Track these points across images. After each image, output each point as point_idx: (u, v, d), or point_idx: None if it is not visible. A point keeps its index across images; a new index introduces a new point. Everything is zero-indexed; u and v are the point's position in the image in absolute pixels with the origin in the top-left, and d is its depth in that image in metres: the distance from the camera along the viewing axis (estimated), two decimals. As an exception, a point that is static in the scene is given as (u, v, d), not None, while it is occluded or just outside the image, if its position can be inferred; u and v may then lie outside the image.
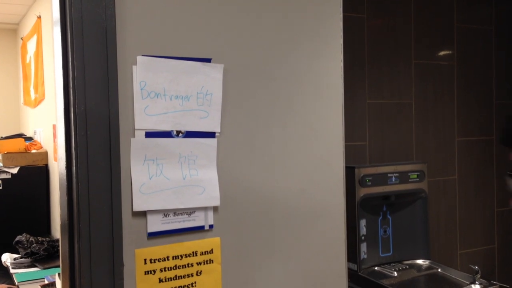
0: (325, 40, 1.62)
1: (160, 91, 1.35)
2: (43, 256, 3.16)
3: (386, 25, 2.97)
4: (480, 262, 3.35)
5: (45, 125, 3.90)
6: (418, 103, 3.10)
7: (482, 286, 2.36)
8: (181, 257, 1.40)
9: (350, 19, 2.82)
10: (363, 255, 2.57)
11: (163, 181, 1.36)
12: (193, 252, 1.41)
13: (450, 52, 3.23)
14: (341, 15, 1.65)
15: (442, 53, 3.21)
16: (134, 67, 1.32)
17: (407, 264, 2.66)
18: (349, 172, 2.44)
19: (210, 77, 1.42)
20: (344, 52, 1.66)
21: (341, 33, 1.65)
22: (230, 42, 1.46)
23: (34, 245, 3.18)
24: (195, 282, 1.42)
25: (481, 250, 3.41)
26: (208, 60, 1.42)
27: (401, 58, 3.04)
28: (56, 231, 3.73)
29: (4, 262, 3.23)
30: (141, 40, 1.33)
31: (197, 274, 1.42)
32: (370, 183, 2.51)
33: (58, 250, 2.99)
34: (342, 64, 1.65)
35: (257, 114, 1.51)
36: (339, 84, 1.65)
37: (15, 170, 3.73)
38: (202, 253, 1.43)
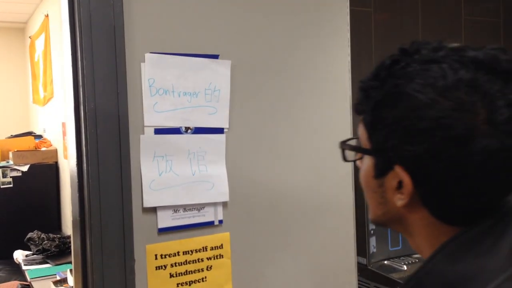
0: (332, 35, 1.62)
1: (169, 88, 1.36)
2: (55, 253, 3.19)
3: (393, 18, 2.96)
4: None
5: (54, 123, 3.93)
6: (426, 96, 3.08)
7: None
8: (191, 252, 1.41)
9: (357, 12, 2.81)
10: (373, 249, 2.57)
11: (173, 177, 1.37)
12: (203, 247, 1.42)
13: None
14: (348, 9, 1.65)
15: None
16: (142, 64, 1.33)
17: (416, 258, 2.66)
18: (358, 166, 2.43)
19: (218, 73, 1.42)
20: (351, 46, 1.66)
21: (348, 27, 1.65)
22: (237, 38, 1.46)
23: (46, 242, 3.21)
24: (205, 277, 1.43)
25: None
26: (215, 57, 1.42)
27: (409, 52, 3.02)
28: (67, 227, 3.77)
29: (16, 259, 3.27)
30: (149, 38, 1.34)
31: (207, 269, 1.43)
32: (378, 177, 2.50)
33: (69, 246, 3.02)
34: (349, 58, 1.65)
35: (265, 110, 1.51)
36: (347, 78, 1.65)
37: (25, 168, 3.77)
38: (212, 248, 1.44)
